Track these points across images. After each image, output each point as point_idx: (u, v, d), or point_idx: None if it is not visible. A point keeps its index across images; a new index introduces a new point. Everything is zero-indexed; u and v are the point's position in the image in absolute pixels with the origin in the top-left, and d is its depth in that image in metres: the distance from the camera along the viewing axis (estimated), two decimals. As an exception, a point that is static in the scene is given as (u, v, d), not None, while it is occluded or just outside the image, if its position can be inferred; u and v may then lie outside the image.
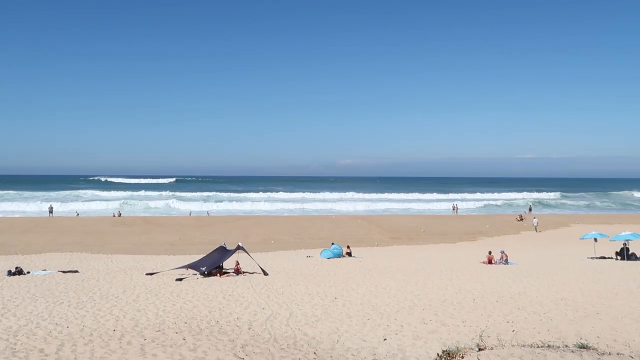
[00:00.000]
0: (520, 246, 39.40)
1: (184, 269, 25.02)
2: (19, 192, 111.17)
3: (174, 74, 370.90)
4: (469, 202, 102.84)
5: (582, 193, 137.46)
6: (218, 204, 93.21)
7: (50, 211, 66.89)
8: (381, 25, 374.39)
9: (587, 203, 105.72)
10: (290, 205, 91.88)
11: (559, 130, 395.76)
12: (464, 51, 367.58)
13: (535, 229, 54.50)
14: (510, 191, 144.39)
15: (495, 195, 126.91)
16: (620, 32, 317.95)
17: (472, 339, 13.05)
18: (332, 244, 34.39)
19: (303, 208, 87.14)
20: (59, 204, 79.23)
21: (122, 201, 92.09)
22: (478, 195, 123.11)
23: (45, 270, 25.85)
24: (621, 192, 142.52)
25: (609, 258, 31.37)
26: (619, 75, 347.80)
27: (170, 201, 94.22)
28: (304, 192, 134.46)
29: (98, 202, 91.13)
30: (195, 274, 24.19)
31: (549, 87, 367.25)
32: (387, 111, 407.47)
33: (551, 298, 18.13)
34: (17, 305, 17.10)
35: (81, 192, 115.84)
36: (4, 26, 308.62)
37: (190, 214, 70.51)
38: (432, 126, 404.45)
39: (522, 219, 63.92)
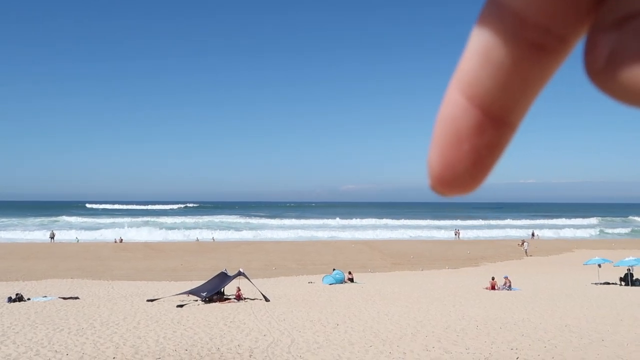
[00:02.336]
0: (523, 272, 39.17)
1: (185, 295, 24.89)
2: (20, 218, 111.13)
3: (184, 103, 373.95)
4: (472, 227, 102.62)
5: (585, 218, 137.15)
6: (222, 230, 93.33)
7: (52, 237, 66.82)
8: (382, 50, 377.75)
9: (591, 228, 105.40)
10: (293, 231, 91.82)
11: (561, 154, 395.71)
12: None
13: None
14: (513, 216, 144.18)
15: (498, 220, 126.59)
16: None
17: (476, 366, 12.93)
18: (334, 269, 34.23)
19: (305, 234, 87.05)
20: (65, 230, 79.19)
21: (127, 227, 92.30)
22: (481, 221, 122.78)
23: (45, 296, 25.74)
24: (625, 217, 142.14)
25: (613, 284, 31.17)
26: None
27: (176, 227, 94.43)
28: (306, 218, 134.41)
29: (104, 228, 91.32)
30: (196, 300, 24.06)
31: (550, 110, 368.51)
32: (391, 136, 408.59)
33: (555, 324, 17.99)
34: (17, 333, 17.00)
35: (85, 218, 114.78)
36: None
37: (197, 240, 70.80)
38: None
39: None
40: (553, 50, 0.44)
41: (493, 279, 29.48)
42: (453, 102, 0.48)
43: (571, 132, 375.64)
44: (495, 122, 0.47)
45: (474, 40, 0.46)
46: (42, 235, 73.66)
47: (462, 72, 0.47)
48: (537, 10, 0.42)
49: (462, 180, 0.48)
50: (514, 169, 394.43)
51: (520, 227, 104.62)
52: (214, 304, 23.54)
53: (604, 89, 0.42)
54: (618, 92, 0.42)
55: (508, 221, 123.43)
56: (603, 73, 0.42)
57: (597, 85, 0.43)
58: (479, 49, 0.45)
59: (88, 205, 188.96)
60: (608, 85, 0.42)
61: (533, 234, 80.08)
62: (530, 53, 0.44)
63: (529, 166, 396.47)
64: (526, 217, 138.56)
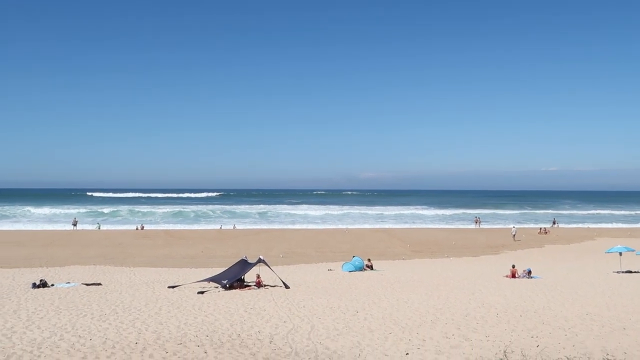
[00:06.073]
0: (544, 260, 38.91)
1: (206, 282, 25.05)
2: (61, 207, 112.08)
3: (207, 91, 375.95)
4: (493, 215, 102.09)
5: (608, 206, 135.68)
6: (242, 217, 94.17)
7: (75, 224, 67.65)
8: (402, 36, 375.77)
9: (613, 216, 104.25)
10: (312, 219, 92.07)
11: (585, 142, 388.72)
12: (486, 63, 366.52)
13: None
14: (535, 204, 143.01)
15: (520, 209, 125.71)
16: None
17: (496, 354, 12.90)
18: (354, 256, 34.25)
19: (324, 221, 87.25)
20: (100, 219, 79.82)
21: (147, 217, 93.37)
22: (502, 209, 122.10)
23: (68, 282, 26.07)
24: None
25: (635, 272, 30.79)
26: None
27: (197, 215, 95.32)
28: (325, 205, 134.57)
29: (123, 216, 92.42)
30: (217, 287, 24.22)
31: (573, 98, 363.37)
32: (411, 123, 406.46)
33: (576, 313, 17.87)
34: (42, 318, 17.26)
35: (122, 207, 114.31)
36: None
37: (220, 227, 71.37)
38: (458, 139, 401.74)
39: (546, 232, 63.31)
40: None
41: (513, 266, 29.30)
42: None
43: (596, 120, 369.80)
44: None
45: None
46: (48, 224, 74.66)
47: None
48: None
49: None
50: (536, 156, 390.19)
51: (542, 215, 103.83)
52: (234, 290, 23.66)
53: None
54: None
55: (529, 209, 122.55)
56: None
57: None
58: None
59: (91, 194, 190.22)
60: None
61: (554, 222, 79.43)
62: None
63: (552, 154, 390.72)
64: (548, 205, 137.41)
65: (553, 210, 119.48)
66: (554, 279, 27.10)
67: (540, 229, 66.09)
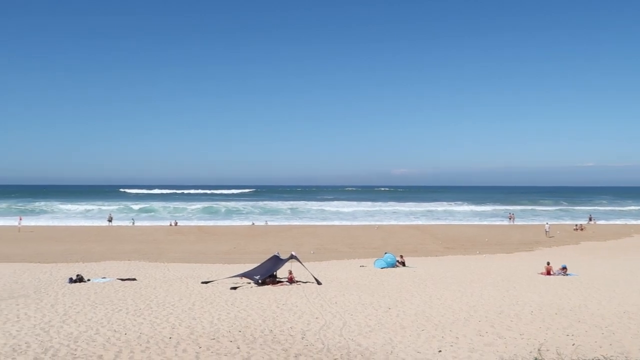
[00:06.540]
0: (580, 257, 38.24)
1: (239, 278, 25.24)
2: (95, 203, 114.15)
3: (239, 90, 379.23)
4: (528, 211, 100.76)
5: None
6: (273, 214, 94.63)
7: (110, 220, 68.73)
8: (431, 32, 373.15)
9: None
10: (343, 215, 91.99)
11: (622, 137, 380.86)
12: (521, 59, 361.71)
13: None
14: (572, 200, 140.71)
15: (556, 204, 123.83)
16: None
17: (530, 352, 12.74)
18: (386, 253, 34.09)
19: (355, 217, 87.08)
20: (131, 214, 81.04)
21: (185, 212, 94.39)
22: (537, 205, 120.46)
23: (104, 278, 26.47)
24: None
25: (675, 270, 30.08)
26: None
27: (229, 212, 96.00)
28: (357, 201, 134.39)
29: (157, 212, 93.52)
30: (249, 283, 24.36)
31: (610, 93, 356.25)
32: (442, 119, 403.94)
33: (613, 311, 17.54)
34: (78, 312, 17.57)
35: (155, 203, 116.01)
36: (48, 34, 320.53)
37: (252, 224, 71.72)
38: (488, 134, 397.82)
39: (582, 229, 62.22)
40: None
41: (548, 264, 28.87)
42: None
43: (633, 115, 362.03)
44: None
45: None
46: (84, 219, 75.92)
47: None
48: None
49: None
50: (572, 151, 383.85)
51: (578, 211, 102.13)
52: (266, 286, 23.77)
53: None
54: None
55: (565, 206, 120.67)
56: None
57: None
58: None
59: (124, 190, 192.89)
60: None
61: (590, 219, 78.07)
62: None
63: (588, 149, 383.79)
64: (584, 202, 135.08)
65: (589, 206, 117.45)
66: (590, 277, 26.63)
67: (576, 225, 64.99)
